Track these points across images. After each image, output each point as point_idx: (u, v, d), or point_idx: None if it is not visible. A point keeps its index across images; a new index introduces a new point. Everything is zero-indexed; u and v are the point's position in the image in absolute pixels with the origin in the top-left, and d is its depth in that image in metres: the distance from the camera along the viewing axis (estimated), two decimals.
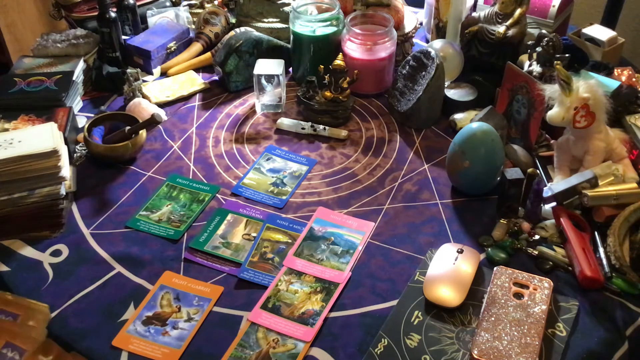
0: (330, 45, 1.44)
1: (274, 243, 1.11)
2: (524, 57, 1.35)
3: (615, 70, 1.37)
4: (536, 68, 1.27)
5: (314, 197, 1.21)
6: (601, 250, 1.04)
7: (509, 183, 1.10)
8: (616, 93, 1.23)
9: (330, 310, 0.99)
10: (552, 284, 0.99)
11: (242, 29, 1.50)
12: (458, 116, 1.34)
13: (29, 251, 1.10)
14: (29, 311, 0.97)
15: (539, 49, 1.27)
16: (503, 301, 0.96)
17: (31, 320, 0.96)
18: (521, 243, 1.08)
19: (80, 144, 1.31)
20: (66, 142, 1.23)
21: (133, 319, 0.98)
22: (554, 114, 1.11)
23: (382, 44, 1.41)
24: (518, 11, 1.35)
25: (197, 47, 1.59)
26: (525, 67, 1.30)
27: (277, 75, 1.38)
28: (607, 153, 1.14)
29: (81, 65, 1.47)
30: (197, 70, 1.56)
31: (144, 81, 1.48)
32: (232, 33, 1.49)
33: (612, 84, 1.27)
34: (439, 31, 1.54)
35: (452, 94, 1.39)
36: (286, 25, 1.55)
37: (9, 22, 2.22)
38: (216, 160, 1.30)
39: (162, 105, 1.44)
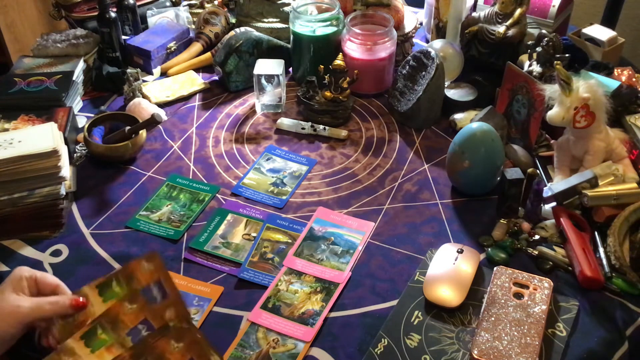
0: (330, 45, 1.44)
1: (274, 243, 1.11)
2: (524, 57, 1.35)
3: (615, 70, 1.37)
4: (536, 68, 1.27)
5: (314, 197, 1.21)
6: (601, 250, 1.04)
7: (509, 183, 1.10)
8: (616, 93, 1.23)
9: (330, 310, 0.99)
10: (552, 284, 0.99)
11: (242, 29, 1.50)
12: (458, 116, 1.34)
13: (29, 251, 1.10)
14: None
15: (539, 49, 1.27)
16: (503, 301, 0.96)
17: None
18: (521, 243, 1.08)
19: (80, 144, 1.31)
20: (66, 142, 1.23)
21: None
22: (554, 114, 1.11)
23: (382, 44, 1.41)
24: (518, 11, 1.35)
25: (197, 47, 1.59)
26: (525, 67, 1.30)
27: (277, 75, 1.38)
28: (607, 153, 1.14)
29: (81, 65, 1.47)
30: (197, 70, 1.56)
31: (144, 81, 1.49)
32: (232, 33, 1.49)
33: (612, 84, 1.27)
34: (439, 31, 1.54)
35: (452, 94, 1.39)
36: (286, 25, 1.55)
37: (9, 22, 2.22)
38: (216, 160, 1.30)
39: (162, 105, 1.44)
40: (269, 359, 0.92)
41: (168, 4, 1.73)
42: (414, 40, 1.58)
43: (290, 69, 1.54)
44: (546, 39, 1.25)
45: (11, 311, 0.78)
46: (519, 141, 1.26)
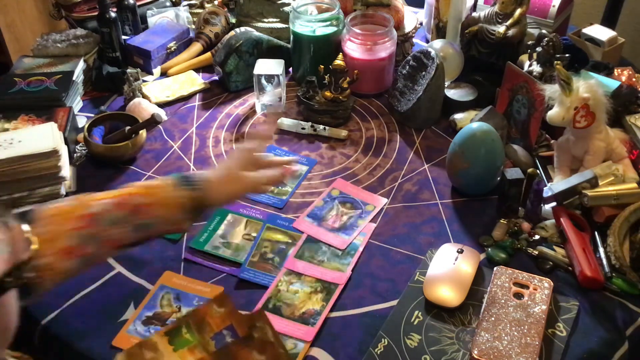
0: (330, 45, 1.44)
1: (274, 243, 1.11)
2: (524, 57, 1.35)
3: (615, 70, 1.37)
4: (536, 68, 1.27)
5: (314, 197, 1.21)
6: (601, 250, 1.04)
7: (509, 183, 1.10)
8: (616, 93, 1.23)
9: (331, 310, 0.99)
10: (552, 284, 0.99)
11: (242, 29, 1.50)
12: (458, 116, 1.34)
13: None
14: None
15: (539, 49, 1.27)
16: (503, 301, 0.96)
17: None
18: (521, 243, 1.08)
19: (80, 144, 1.31)
20: (66, 142, 1.23)
21: (133, 319, 0.98)
22: (554, 114, 1.11)
23: (382, 44, 1.41)
24: (518, 11, 1.35)
25: (197, 47, 1.59)
26: (525, 67, 1.30)
27: (277, 75, 1.38)
28: (607, 153, 1.14)
29: (81, 65, 1.47)
30: (197, 70, 1.56)
31: (144, 81, 1.48)
32: (232, 33, 1.49)
33: (612, 84, 1.27)
34: (439, 31, 1.54)
35: (452, 94, 1.39)
36: (286, 25, 1.55)
37: (9, 22, 2.22)
38: (216, 160, 1.30)
39: (162, 105, 1.44)
40: None
41: (168, 4, 1.73)
42: (414, 40, 1.58)
43: (290, 69, 1.54)
44: (546, 39, 1.25)
45: (239, 176, 0.94)
46: (519, 141, 1.26)
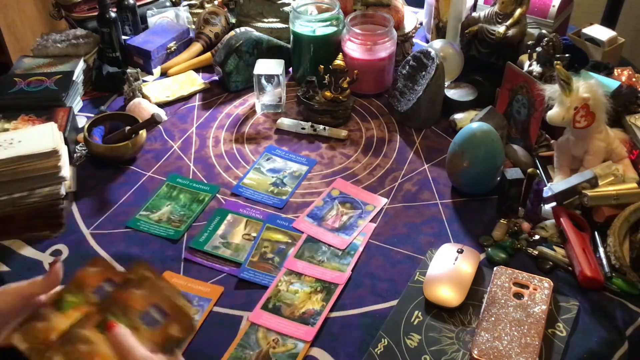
0: (330, 45, 1.44)
1: (273, 243, 1.11)
2: (524, 57, 1.35)
3: (615, 70, 1.37)
4: (536, 68, 1.27)
5: (314, 197, 1.21)
6: (601, 250, 1.04)
7: (509, 183, 1.10)
8: (616, 93, 1.23)
9: (331, 310, 0.99)
10: (552, 284, 0.99)
11: (242, 29, 1.50)
12: (458, 116, 1.34)
13: (29, 251, 1.10)
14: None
15: (539, 49, 1.27)
16: (503, 301, 0.96)
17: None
18: (521, 243, 1.08)
19: (80, 144, 1.31)
20: (66, 142, 1.23)
21: None
22: (554, 114, 1.11)
23: (382, 44, 1.41)
24: (518, 11, 1.35)
25: (197, 47, 1.59)
26: (525, 67, 1.30)
27: (277, 75, 1.38)
28: (607, 153, 1.14)
29: (81, 65, 1.47)
30: (197, 70, 1.56)
31: (144, 81, 1.48)
32: (232, 33, 1.49)
33: (612, 84, 1.27)
34: (439, 31, 1.54)
35: (452, 94, 1.39)
36: (286, 25, 1.55)
37: (9, 22, 2.22)
38: (216, 160, 1.30)
39: (162, 105, 1.44)
40: (269, 359, 0.92)
41: (168, 4, 1.73)
42: (414, 40, 1.58)
43: (290, 69, 1.54)
44: (546, 39, 1.25)
45: (5, 288, 0.77)
46: (519, 141, 1.26)
